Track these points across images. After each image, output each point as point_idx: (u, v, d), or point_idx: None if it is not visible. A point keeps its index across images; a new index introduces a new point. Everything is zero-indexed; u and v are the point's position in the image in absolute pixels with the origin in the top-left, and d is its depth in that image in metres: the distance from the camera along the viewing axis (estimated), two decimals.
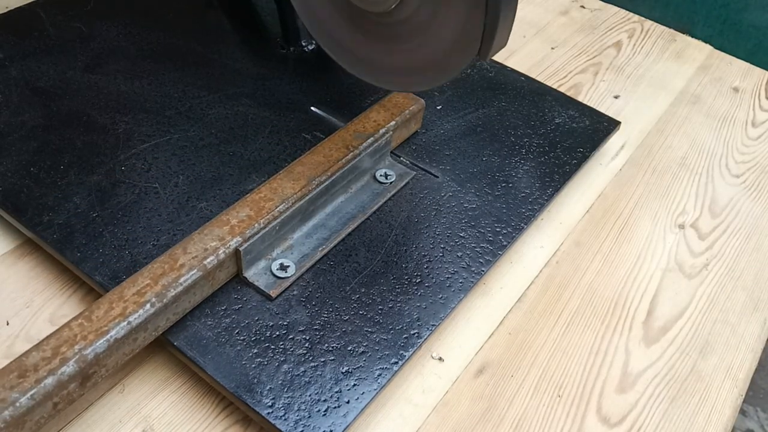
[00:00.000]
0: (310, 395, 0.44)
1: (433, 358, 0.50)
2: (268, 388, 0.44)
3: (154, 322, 0.45)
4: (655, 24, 0.89)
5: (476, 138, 0.64)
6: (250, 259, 0.50)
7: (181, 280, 0.46)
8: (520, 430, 0.47)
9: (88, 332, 0.42)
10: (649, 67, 0.82)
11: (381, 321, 0.49)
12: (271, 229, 0.50)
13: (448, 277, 0.52)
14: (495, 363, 0.50)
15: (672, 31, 0.89)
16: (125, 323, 0.43)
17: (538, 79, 0.75)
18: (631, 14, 0.91)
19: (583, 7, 0.92)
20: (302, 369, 0.46)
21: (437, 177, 0.60)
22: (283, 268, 0.51)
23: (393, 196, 0.58)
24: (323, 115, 0.64)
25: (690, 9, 0.91)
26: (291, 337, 0.48)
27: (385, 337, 0.48)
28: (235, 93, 0.66)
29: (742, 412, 0.52)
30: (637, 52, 0.85)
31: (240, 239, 0.49)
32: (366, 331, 0.48)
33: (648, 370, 0.51)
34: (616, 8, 0.92)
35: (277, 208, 0.51)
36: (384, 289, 0.51)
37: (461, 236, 0.56)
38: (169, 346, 0.47)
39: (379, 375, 0.46)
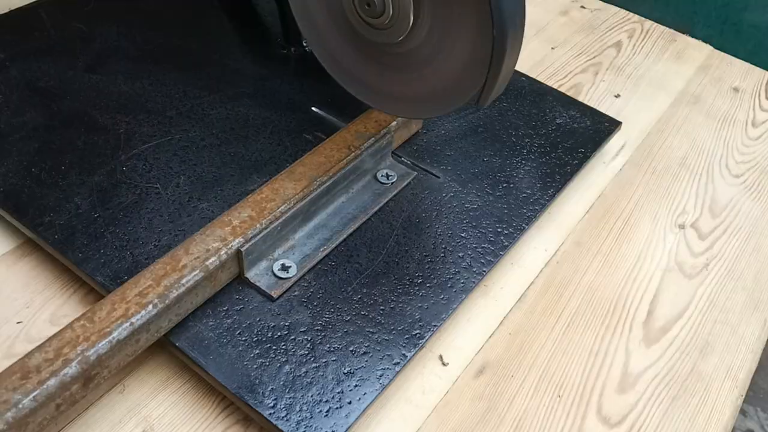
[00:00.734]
0: (312, 396, 0.45)
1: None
2: (269, 388, 0.45)
3: (156, 323, 0.45)
4: (655, 24, 0.89)
5: (477, 138, 0.65)
6: (252, 259, 0.50)
7: (183, 281, 0.46)
8: (520, 430, 0.47)
9: (90, 333, 0.42)
10: (649, 67, 0.82)
11: (383, 321, 0.49)
12: (272, 230, 0.50)
13: (449, 278, 0.52)
14: (495, 363, 0.51)
15: (672, 31, 0.89)
16: (128, 324, 0.43)
17: (539, 79, 0.75)
18: (631, 14, 0.91)
19: (583, 7, 0.92)
20: (304, 370, 0.46)
21: (438, 177, 0.60)
22: (284, 268, 0.51)
23: (394, 196, 0.58)
24: (324, 116, 0.64)
25: (690, 9, 0.92)
26: (293, 337, 0.48)
27: (386, 338, 0.48)
28: (236, 93, 0.66)
29: (742, 412, 0.52)
30: (637, 52, 0.85)
31: (242, 240, 0.49)
32: (368, 331, 0.48)
33: (648, 370, 0.51)
34: (616, 8, 0.92)
35: (279, 209, 0.51)
36: (385, 289, 0.51)
37: (462, 236, 0.56)
38: (170, 347, 0.47)
39: (381, 375, 0.46)
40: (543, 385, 0.50)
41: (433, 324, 0.49)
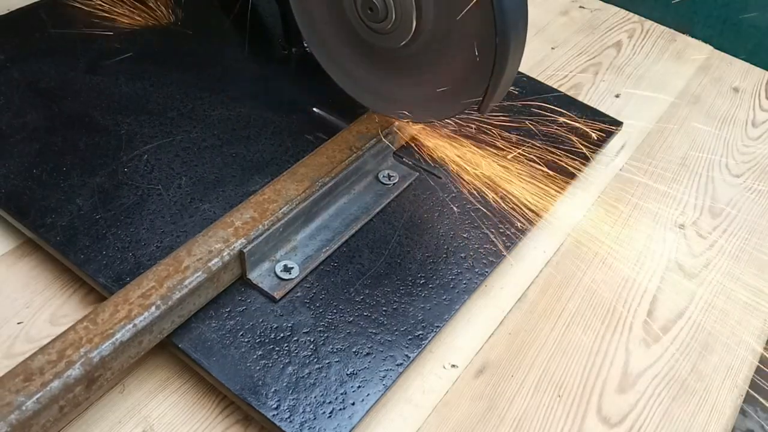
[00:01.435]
0: (315, 397, 0.45)
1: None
2: (273, 390, 0.45)
3: (159, 324, 0.45)
4: (655, 24, 0.90)
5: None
6: (254, 261, 0.50)
7: (186, 282, 0.46)
8: (520, 430, 0.47)
9: (93, 335, 0.42)
10: (649, 67, 0.82)
11: (385, 322, 0.49)
12: (275, 231, 0.50)
13: (452, 279, 0.52)
14: (495, 363, 0.51)
15: (672, 31, 0.89)
16: (131, 326, 0.43)
17: (538, 79, 0.75)
18: (631, 14, 0.91)
19: (582, 7, 0.93)
20: (307, 371, 0.46)
21: (440, 178, 0.61)
22: (287, 269, 0.51)
23: (396, 197, 0.58)
24: (325, 116, 0.64)
25: (690, 9, 0.92)
26: (295, 338, 0.48)
27: (389, 339, 0.48)
28: (237, 94, 0.66)
29: (742, 412, 0.52)
30: (637, 52, 0.85)
31: (244, 241, 0.49)
32: (370, 332, 0.49)
33: (648, 370, 0.51)
34: (616, 8, 0.92)
35: (281, 210, 0.51)
36: (388, 290, 0.51)
37: (465, 237, 0.56)
38: (173, 349, 0.47)
39: (384, 376, 0.46)
40: (543, 385, 0.50)
41: (435, 325, 0.49)
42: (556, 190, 0.61)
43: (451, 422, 0.47)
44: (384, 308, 0.50)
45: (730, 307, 0.57)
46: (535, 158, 0.63)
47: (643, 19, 0.90)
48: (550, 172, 0.62)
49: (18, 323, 0.49)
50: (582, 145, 0.65)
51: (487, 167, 0.61)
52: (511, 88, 0.70)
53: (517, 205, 0.58)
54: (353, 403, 0.44)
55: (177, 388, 0.47)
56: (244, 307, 0.49)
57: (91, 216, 0.53)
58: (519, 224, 0.57)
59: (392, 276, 0.52)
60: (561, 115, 0.69)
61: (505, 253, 0.55)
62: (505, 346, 0.52)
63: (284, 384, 0.45)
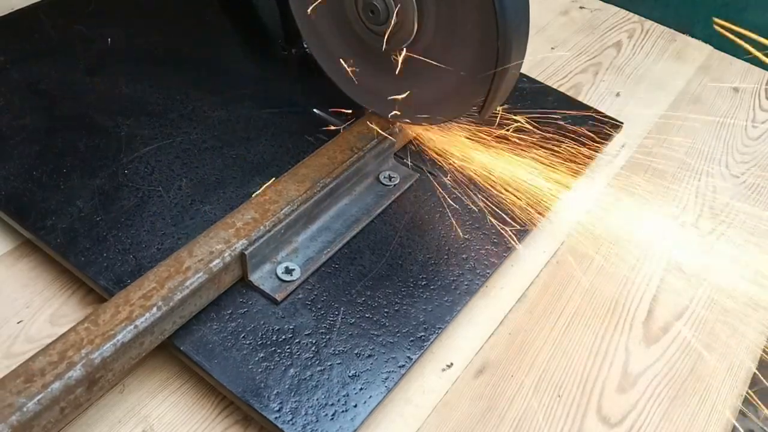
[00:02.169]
0: (317, 399, 0.45)
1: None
2: (275, 392, 0.45)
3: (160, 325, 0.45)
4: (655, 24, 0.90)
5: None
6: (256, 262, 0.50)
7: (187, 283, 0.46)
8: (519, 430, 0.47)
9: (94, 336, 0.42)
10: (649, 67, 0.82)
11: (387, 324, 0.49)
12: (276, 233, 0.50)
13: (453, 280, 0.52)
14: (495, 363, 0.51)
15: (672, 31, 0.89)
16: (132, 327, 0.43)
17: (538, 79, 0.75)
18: (631, 14, 0.91)
19: (582, 7, 0.92)
20: (309, 373, 0.46)
21: (441, 178, 0.60)
22: (288, 271, 0.51)
23: (397, 198, 0.58)
24: (326, 117, 0.64)
25: (690, 9, 0.92)
26: (297, 340, 0.48)
27: (391, 340, 0.48)
28: (237, 95, 0.65)
29: (742, 412, 0.52)
30: (637, 52, 0.85)
31: (245, 242, 0.49)
32: (372, 334, 0.48)
33: (648, 370, 0.51)
34: (616, 8, 0.92)
35: (282, 211, 0.51)
36: (389, 291, 0.51)
37: (466, 238, 0.56)
38: (175, 351, 0.47)
39: (387, 378, 0.46)
40: (543, 385, 0.50)
41: (437, 326, 0.49)
42: (557, 191, 0.61)
43: (451, 422, 0.47)
44: (386, 310, 0.50)
45: (730, 307, 0.57)
46: (536, 159, 0.63)
47: (643, 19, 0.90)
48: (552, 173, 0.62)
49: (18, 323, 0.49)
50: (583, 145, 0.65)
51: (488, 168, 0.61)
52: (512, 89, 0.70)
53: (518, 206, 0.58)
54: (355, 405, 0.44)
55: (177, 388, 0.47)
56: (245, 309, 0.49)
57: (91, 218, 0.53)
58: (520, 225, 0.57)
59: (393, 277, 0.52)
60: (562, 115, 0.69)
61: (506, 255, 0.55)
62: (505, 346, 0.52)
63: (286, 386, 0.45)
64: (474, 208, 0.58)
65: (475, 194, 0.59)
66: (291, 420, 0.43)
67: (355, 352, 0.47)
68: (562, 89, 0.75)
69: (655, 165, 0.69)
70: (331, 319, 0.49)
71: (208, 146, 0.60)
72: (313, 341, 0.48)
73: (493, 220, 0.57)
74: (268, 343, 0.47)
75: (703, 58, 0.85)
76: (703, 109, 0.78)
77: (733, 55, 0.86)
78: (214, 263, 0.47)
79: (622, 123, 0.70)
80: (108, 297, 0.48)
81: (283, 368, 0.46)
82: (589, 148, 0.65)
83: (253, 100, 0.65)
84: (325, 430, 0.43)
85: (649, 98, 0.78)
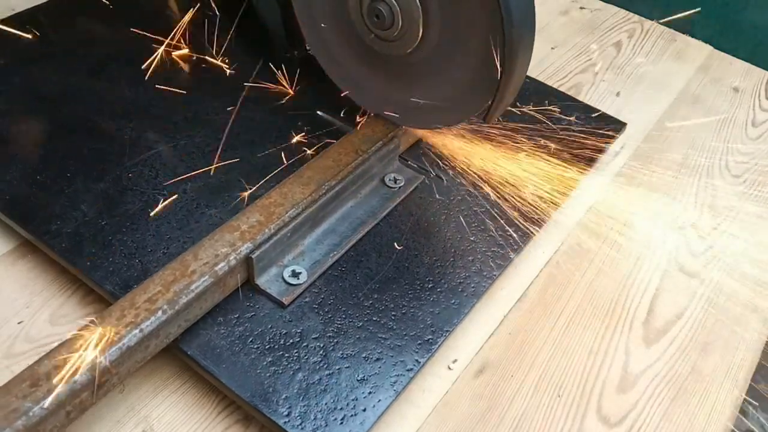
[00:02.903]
0: (326, 404, 0.45)
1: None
2: (283, 396, 0.44)
3: (165, 329, 0.45)
4: (655, 24, 0.90)
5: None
6: (262, 266, 0.50)
7: (193, 286, 0.46)
8: (519, 430, 0.47)
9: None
10: (649, 67, 0.83)
11: (395, 327, 0.49)
12: (282, 236, 0.50)
13: (460, 282, 0.53)
14: (495, 363, 0.51)
15: (672, 31, 0.89)
16: (137, 330, 0.43)
17: (539, 79, 0.75)
18: (631, 14, 0.91)
19: (582, 7, 0.93)
20: (317, 377, 0.46)
21: (445, 181, 0.60)
22: (294, 275, 0.51)
23: (402, 200, 0.58)
24: (330, 119, 0.64)
25: (690, 9, 0.92)
26: (305, 344, 0.48)
27: (399, 344, 0.48)
28: (239, 98, 0.65)
29: (742, 412, 0.52)
30: (637, 52, 0.85)
31: (251, 245, 0.49)
32: (380, 337, 0.49)
33: (648, 370, 0.52)
34: (616, 8, 0.92)
35: (288, 214, 0.51)
36: (396, 294, 0.51)
37: (472, 240, 0.56)
38: (182, 355, 0.47)
39: (395, 382, 0.46)
40: (543, 385, 0.50)
41: (445, 329, 0.49)
42: (560, 192, 0.61)
43: (450, 422, 0.47)
44: (393, 313, 0.50)
45: (730, 306, 0.57)
46: (538, 160, 0.63)
47: (643, 19, 0.91)
48: (554, 174, 0.62)
49: (18, 323, 0.49)
50: (585, 146, 0.66)
51: (490, 170, 0.61)
52: None
53: (521, 207, 0.59)
54: (364, 409, 0.44)
55: (177, 388, 0.47)
56: (252, 313, 0.49)
57: (96, 222, 0.53)
58: (525, 227, 0.57)
59: (400, 280, 0.52)
60: (564, 116, 0.69)
61: (512, 256, 0.55)
62: (505, 346, 0.52)
63: (295, 390, 0.45)
64: (479, 210, 0.58)
65: (479, 196, 0.59)
66: (300, 425, 0.43)
67: (363, 355, 0.47)
68: (562, 89, 0.75)
69: (655, 165, 0.70)
70: (338, 322, 0.49)
71: (212, 149, 0.60)
72: (321, 345, 0.48)
73: (497, 221, 0.58)
74: (276, 347, 0.47)
75: (703, 58, 0.86)
76: (703, 109, 0.78)
77: (733, 55, 0.86)
78: (220, 266, 0.47)
79: (625, 123, 0.70)
80: (113, 301, 0.48)
81: (291, 372, 0.46)
82: (591, 150, 0.66)
83: (256, 103, 0.65)
84: None
85: (649, 98, 0.78)
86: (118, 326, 0.43)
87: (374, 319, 0.50)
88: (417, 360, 0.47)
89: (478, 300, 0.52)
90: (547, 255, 0.59)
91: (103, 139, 0.60)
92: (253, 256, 0.48)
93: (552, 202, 0.60)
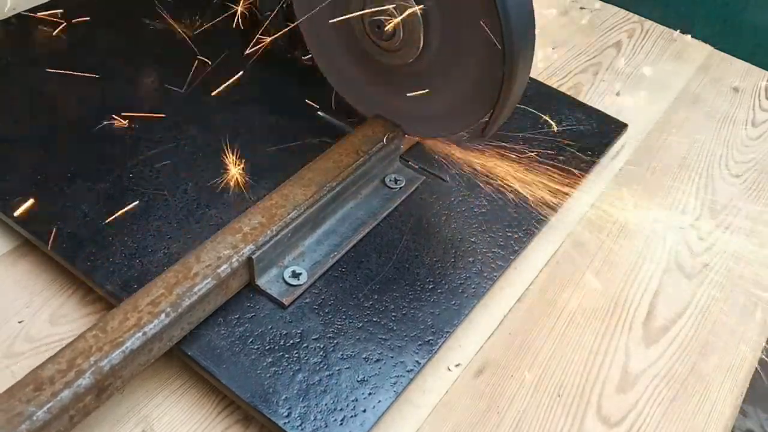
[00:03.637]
0: (326, 404, 0.45)
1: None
2: (283, 397, 0.45)
3: (168, 332, 0.45)
4: (655, 24, 0.90)
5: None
6: (263, 267, 0.50)
7: (195, 289, 0.46)
8: (519, 429, 0.47)
9: (103, 344, 0.42)
10: (649, 67, 0.83)
11: (395, 328, 0.49)
12: (283, 237, 0.50)
13: (460, 283, 0.53)
14: (495, 363, 0.51)
15: (672, 31, 0.89)
16: (140, 334, 0.43)
17: (538, 79, 0.75)
18: (631, 14, 0.91)
19: (582, 7, 0.93)
20: (317, 378, 0.46)
21: (446, 181, 0.61)
22: (295, 275, 0.51)
23: (403, 201, 0.58)
24: (330, 120, 0.64)
25: (690, 9, 0.92)
26: (305, 345, 0.48)
27: (399, 344, 0.48)
28: (241, 98, 0.65)
29: (742, 412, 0.53)
30: (637, 52, 0.85)
31: (253, 247, 0.49)
32: (380, 338, 0.49)
33: (648, 370, 0.52)
34: (616, 8, 0.92)
35: (289, 215, 0.51)
36: (397, 295, 0.51)
37: (472, 241, 0.56)
38: (183, 356, 0.47)
39: (395, 383, 0.46)
40: (543, 385, 0.50)
41: (445, 330, 0.49)
42: (561, 193, 0.61)
43: (450, 422, 0.47)
44: (393, 314, 0.50)
45: (730, 306, 0.57)
46: (539, 161, 0.63)
47: (643, 19, 0.91)
48: (556, 175, 0.62)
49: (18, 322, 0.49)
50: (585, 147, 0.66)
51: (491, 170, 0.61)
52: None
53: (522, 208, 0.59)
54: (364, 410, 0.45)
55: (177, 388, 0.47)
56: (253, 314, 0.49)
57: (96, 222, 0.53)
58: (526, 227, 0.57)
59: (401, 281, 0.52)
60: (565, 117, 0.69)
61: (513, 257, 0.55)
62: (505, 346, 0.52)
63: (295, 391, 0.45)
64: (479, 210, 0.58)
65: (480, 197, 0.60)
66: (300, 425, 0.43)
67: (364, 356, 0.47)
68: (561, 89, 0.75)
69: (654, 165, 0.70)
70: (338, 323, 0.49)
71: (213, 149, 0.60)
72: (321, 346, 0.48)
73: (498, 222, 0.58)
74: (276, 347, 0.47)
75: (703, 58, 0.86)
76: (703, 109, 0.78)
77: (733, 55, 0.86)
78: (222, 268, 0.47)
79: (626, 124, 0.70)
80: (114, 302, 0.48)
81: (291, 373, 0.46)
82: (591, 150, 0.66)
83: (257, 103, 0.65)
84: None
85: (649, 98, 0.78)
86: (122, 329, 0.43)
87: (374, 319, 0.50)
88: (417, 361, 0.47)
89: (478, 301, 0.52)
90: (547, 255, 0.59)
91: (103, 139, 0.60)
92: (253, 257, 0.48)
93: (552, 203, 0.60)
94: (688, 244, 0.62)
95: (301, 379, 0.46)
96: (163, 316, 0.44)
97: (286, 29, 0.62)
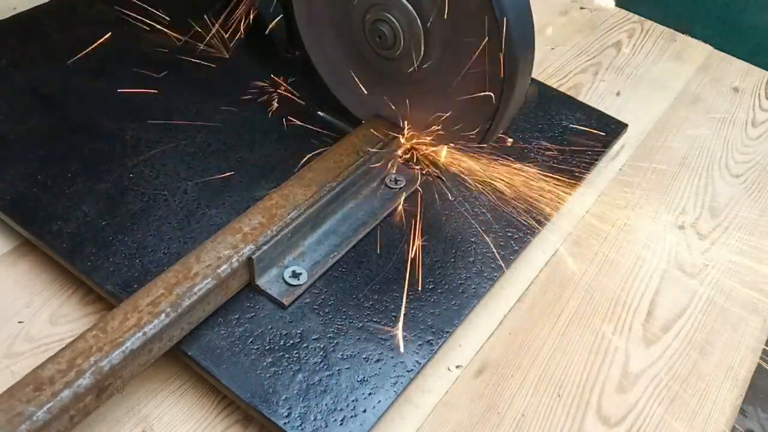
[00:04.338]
0: (326, 404, 0.45)
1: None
2: (283, 397, 0.45)
3: (168, 332, 0.45)
4: (655, 24, 0.90)
5: None
6: (263, 267, 0.50)
7: (195, 289, 0.46)
8: (519, 429, 0.47)
9: (103, 344, 0.42)
10: (649, 67, 0.83)
11: (395, 328, 0.49)
12: (283, 237, 0.50)
13: (460, 283, 0.53)
14: (495, 363, 0.51)
15: (672, 31, 0.89)
16: (140, 334, 0.43)
17: (539, 79, 0.75)
18: (631, 14, 0.91)
19: (582, 7, 0.93)
20: (317, 378, 0.46)
21: (446, 182, 0.61)
22: (295, 275, 0.51)
23: (403, 201, 0.58)
24: (330, 120, 0.64)
25: (690, 9, 0.92)
26: (305, 345, 0.48)
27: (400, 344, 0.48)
28: (241, 98, 0.65)
29: (742, 412, 0.53)
30: (637, 52, 0.85)
31: (253, 247, 0.49)
32: (380, 338, 0.49)
33: (648, 370, 0.52)
34: (616, 8, 0.92)
35: (289, 215, 0.51)
36: (397, 295, 0.51)
37: (472, 241, 0.56)
38: (182, 356, 0.47)
39: (396, 383, 0.46)
40: (543, 385, 0.50)
41: (445, 330, 0.49)
42: (561, 193, 0.61)
43: (451, 422, 0.47)
44: (393, 314, 0.50)
45: (730, 306, 0.57)
46: (540, 161, 0.63)
47: (643, 19, 0.91)
48: (556, 175, 0.62)
49: (18, 322, 0.49)
50: (587, 147, 0.66)
51: (492, 170, 0.61)
52: None
53: (523, 208, 0.59)
54: (364, 410, 0.45)
55: (176, 388, 0.47)
56: (253, 314, 0.49)
57: (97, 223, 0.53)
58: (526, 227, 0.57)
59: (401, 281, 0.52)
60: (565, 117, 0.69)
61: (513, 258, 0.55)
62: (505, 346, 0.52)
63: (295, 391, 0.45)
64: (480, 210, 0.58)
65: (480, 197, 0.60)
66: (300, 425, 0.43)
67: (364, 356, 0.47)
68: (562, 89, 0.75)
69: (654, 165, 0.70)
70: (338, 323, 0.49)
71: (213, 149, 0.60)
72: (321, 346, 0.48)
73: (498, 222, 0.58)
74: (276, 348, 0.47)
75: (703, 58, 0.86)
76: (703, 109, 0.78)
77: (733, 55, 0.86)
78: (222, 269, 0.47)
79: (626, 125, 0.70)
80: (114, 302, 0.48)
81: (291, 373, 0.46)
82: (591, 150, 0.66)
83: (257, 103, 0.65)
84: None
85: (649, 98, 0.78)
86: (122, 329, 0.43)
87: (374, 320, 0.50)
88: (417, 361, 0.47)
89: (478, 301, 0.52)
90: (547, 255, 0.59)
91: (104, 140, 0.60)
92: (253, 257, 0.48)
93: (552, 203, 0.60)
94: (688, 243, 0.62)
95: (301, 379, 0.46)
96: (163, 316, 0.44)
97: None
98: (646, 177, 0.68)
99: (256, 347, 0.47)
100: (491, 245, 0.56)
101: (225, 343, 0.47)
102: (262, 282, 0.50)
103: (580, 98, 0.75)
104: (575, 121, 0.68)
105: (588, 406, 0.49)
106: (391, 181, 0.59)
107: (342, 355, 0.47)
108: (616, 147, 0.71)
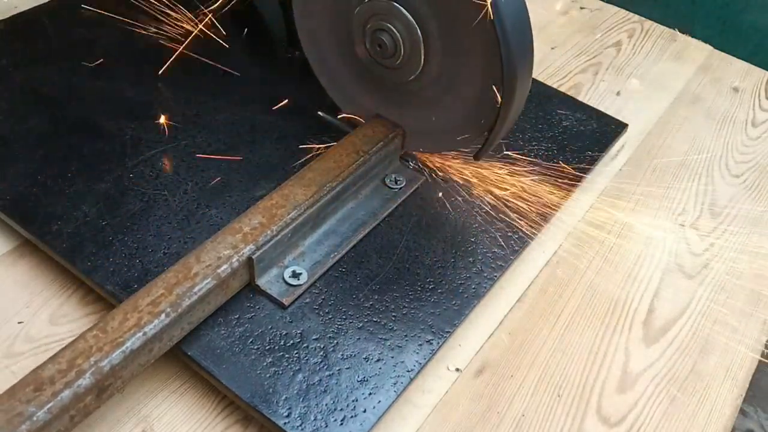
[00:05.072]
0: (326, 404, 0.45)
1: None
2: (283, 397, 0.45)
3: (169, 332, 0.45)
4: (655, 24, 0.90)
5: None
6: (263, 267, 0.50)
7: (196, 289, 0.46)
8: (519, 429, 0.47)
9: (103, 344, 0.42)
10: (649, 67, 0.83)
11: (395, 328, 0.49)
12: (283, 237, 0.50)
13: (461, 283, 0.53)
14: (495, 363, 0.51)
15: (672, 31, 0.89)
16: (141, 334, 0.43)
17: (538, 79, 0.75)
18: (631, 14, 0.91)
19: (582, 7, 0.93)
20: (317, 378, 0.46)
21: (446, 182, 0.61)
22: (295, 275, 0.51)
23: (403, 201, 0.58)
24: (331, 120, 0.64)
25: (690, 9, 0.92)
26: (305, 345, 0.48)
27: (400, 345, 0.48)
28: (241, 98, 0.65)
29: (742, 412, 0.53)
30: (637, 52, 0.85)
31: (253, 247, 0.49)
32: (380, 338, 0.49)
33: (648, 370, 0.52)
34: (616, 8, 0.92)
35: (289, 215, 0.51)
36: (397, 295, 0.51)
37: (472, 241, 0.56)
38: (182, 356, 0.47)
39: (396, 383, 0.46)
40: (543, 385, 0.50)
41: (446, 330, 0.49)
42: (562, 193, 0.61)
43: (451, 422, 0.47)
44: (393, 314, 0.50)
45: (730, 306, 0.57)
46: (539, 161, 0.63)
47: (643, 19, 0.91)
48: (556, 175, 0.62)
49: (18, 323, 0.49)
50: (587, 147, 0.66)
51: (492, 170, 0.61)
52: None
53: (522, 208, 0.59)
54: (365, 410, 0.45)
55: (177, 388, 0.47)
56: (253, 314, 0.49)
57: (97, 223, 0.53)
58: (526, 227, 0.57)
59: (401, 281, 0.52)
60: (565, 117, 0.69)
61: (513, 257, 0.55)
62: (505, 346, 0.52)
63: (295, 391, 0.45)
64: (480, 210, 0.58)
65: (480, 197, 0.60)
66: (300, 426, 0.43)
67: (364, 356, 0.47)
68: (562, 89, 0.75)
69: (654, 165, 0.70)
70: (338, 323, 0.49)
71: (213, 150, 0.60)
72: (321, 346, 0.48)
73: (498, 222, 0.58)
74: (276, 348, 0.47)
75: (703, 58, 0.86)
76: (703, 109, 0.78)
77: (733, 55, 0.86)
78: (222, 269, 0.47)
79: (626, 125, 0.71)
80: (115, 302, 0.48)
81: (292, 373, 0.46)
82: (591, 150, 0.66)
83: (257, 103, 0.65)
84: None
85: (649, 98, 0.78)
86: (122, 329, 0.43)
87: (375, 320, 0.50)
88: (418, 361, 0.47)
89: (478, 301, 0.52)
90: (547, 255, 0.59)
91: (104, 140, 0.60)
92: (253, 257, 0.48)
93: (552, 203, 0.60)
94: (688, 244, 0.62)
95: (301, 379, 0.46)
96: (163, 316, 0.44)
97: None
98: (646, 177, 0.68)
99: (256, 347, 0.47)
100: (491, 245, 0.56)
101: (225, 343, 0.47)
102: (262, 282, 0.50)
103: (580, 98, 0.75)
104: (575, 121, 0.69)
105: (588, 406, 0.49)
106: (391, 181, 0.59)
107: (342, 355, 0.47)
108: (616, 147, 0.71)
